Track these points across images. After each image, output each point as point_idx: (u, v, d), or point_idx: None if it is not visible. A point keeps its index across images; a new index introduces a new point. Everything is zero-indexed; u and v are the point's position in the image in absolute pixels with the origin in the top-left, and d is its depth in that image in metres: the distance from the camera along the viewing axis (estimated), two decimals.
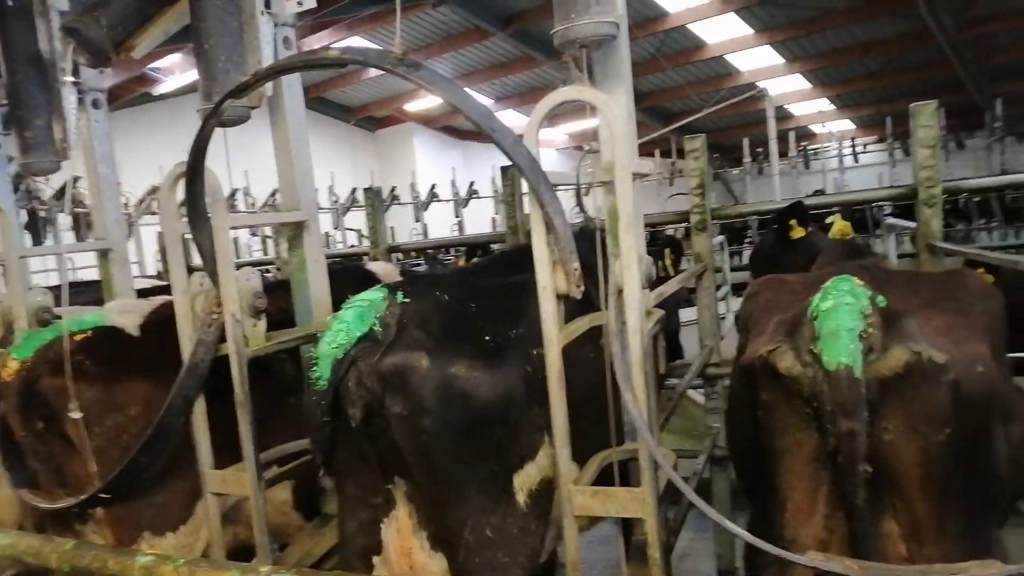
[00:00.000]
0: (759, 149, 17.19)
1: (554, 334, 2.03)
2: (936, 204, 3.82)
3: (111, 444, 2.73)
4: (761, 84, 16.89)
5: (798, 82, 19.19)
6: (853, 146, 18.89)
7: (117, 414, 2.74)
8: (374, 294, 2.11)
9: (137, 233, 10.18)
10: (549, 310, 2.03)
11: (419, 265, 5.75)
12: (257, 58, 2.79)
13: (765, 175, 17.28)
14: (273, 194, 12.61)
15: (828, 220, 4.47)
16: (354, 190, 12.97)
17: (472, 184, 11.35)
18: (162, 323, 2.96)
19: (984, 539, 1.93)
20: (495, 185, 11.41)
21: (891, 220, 4.92)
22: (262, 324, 2.67)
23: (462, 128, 22.01)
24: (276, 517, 3.11)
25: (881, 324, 1.84)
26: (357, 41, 14.43)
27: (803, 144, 19.44)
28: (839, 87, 19.43)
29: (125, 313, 2.98)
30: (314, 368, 2.00)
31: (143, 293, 4.06)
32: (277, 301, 2.95)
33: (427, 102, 19.29)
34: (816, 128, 22.88)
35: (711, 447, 3.90)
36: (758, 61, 17.94)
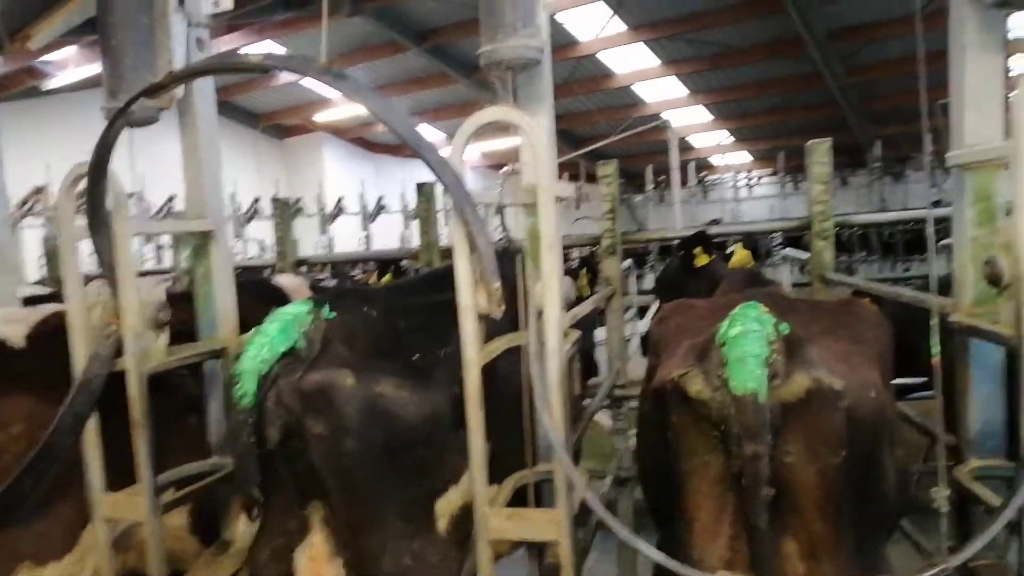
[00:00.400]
0: (661, 177, 17.82)
1: (473, 354, 2.02)
2: (829, 237, 4.08)
3: None
4: (665, 115, 17.51)
5: (700, 114, 20.05)
6: (748, 178, 19.96)
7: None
8: (298, 307, 2.05)
9: (17, 236, 9.48)
10: (469, 329, 2.03)
11: (325, 279, 5.62)
12: (168, 58, 2.68)
13: (666, 203, 17.90)
14: (170, 200, 12.04)
15: (729, 249, 4.70)
16: (257, 199, 12.57)
17: (381, 199, 11.20)
18: (51, 334, 2.78)
19: (874, 556, 2.06)
20: (405, 200, 11.31)
21: (787, 251, 5.23)
22: (163, 338, 2.55)
23: (374, 140, 21.76)
24: (171, 543, 2.93)
25: (784, 351, 1.94)
26: (267, 46, 14.06)
27: (702, 174, 20.32)
28: (738, 121, 20.41)
29: (10, 323, 2.77)
30: (237, 385, 1.92)
31: (28, 301, 3.79)
32: (178, 314, 2.82)
33: (339, 112, 18.95)
34: (715, 160, 23.95)
35: (616, 468, 3.98)
36: (663, 92, 18.62)
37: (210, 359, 2.79)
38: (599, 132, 19.24)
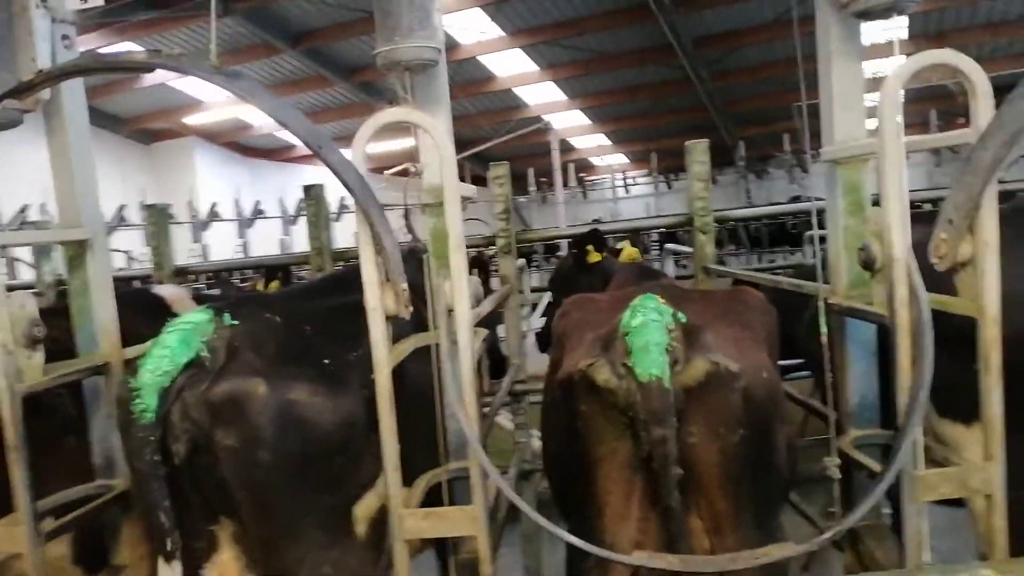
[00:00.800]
0: (543, 179, 18.20)
1: (383, 355, 2.00)
2: (710, 231, 4.30)
3: None
4: (546, 117, 17.89)
5: (579, 118, 20.60)
6: (624, 179, 20.73)
7: None
8: (198, 316, 1.95)
9: None
10: (378, 331, 2.00)
11: (204, 288, 5.36)
12: (31, 55, 2.48)
13: (549, 203, 18.30)
14: (23, 211, 11.11)
15: (618, 246, 4.86)
16: (122, 207, 11.83)
17: (258, 203, 10.79)
18: None
19: (771, 526, 2.19)
20: (283, 205, 10.94)
21: (669, 245, 5.47)
22: (39, 356, 2.36)
23: (248, 144, 20.95)
24: (53, 574, 2.73)
25: (682, 338, 2.04)
26: (127, 47, 13.24)
27: (581, 175, 20.91)
28: (613, 124, 21.15)
29: None
30: (137, 401, 1.80)
31: None
32: (51, 330, 2.62)
33: (211, 115, 18.11)
34: (596, 160, 24.67)
35: (519, 462, 4.03)
36: (543, 96, 19.01)
37: (91, 376, 2.60)
38: (482, 135, 19.41)
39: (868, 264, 2.05)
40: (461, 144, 21.21)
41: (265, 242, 12.38)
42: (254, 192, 14.07)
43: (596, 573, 2.14)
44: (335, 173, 1.87)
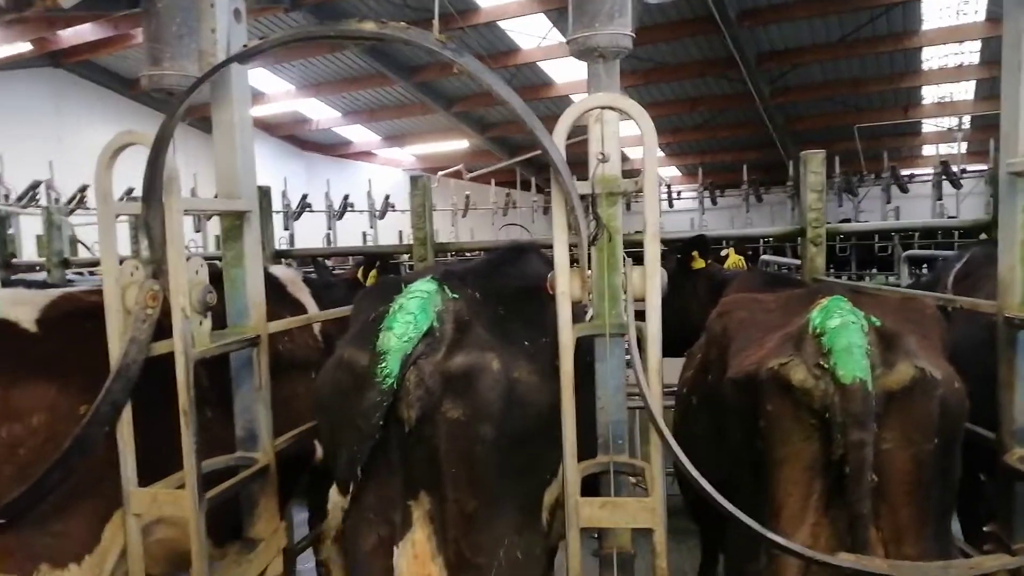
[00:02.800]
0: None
1: (569, 339, 1.99)
2: (821, 243, 4.22)
3: (5, 459, 2.30)
4: None
5: (634, 128, 20.45)
6: (669, 192, 20.53)
7: (14, 423, 2.31)
8: (428, 285, 1.96)
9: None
10: (565, 315, 1.99)
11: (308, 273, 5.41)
12: (212, 25, 2.53)
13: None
14: (82, 190, 11.24)
15: (723, 253, 4.81)
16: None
17: (347, 197, 10.94)
18: (64, 318, 2.57)
19: (946, 540, 2.13)
20: (371, 199, 10.99)
21: (767, 256, 5.40)
22: (208, 323, 2.39)
23: (307, 139, 21.17)
24: (182, 543, 2.76)
25: (878, 342, 1.99)
26: None
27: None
28: (670, 136, 21.01)
29: (18, 305, 2.54)
30: (382, 365, 1.80)
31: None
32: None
33: (271, 108, 18.32)
34: None
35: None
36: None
37: (247, 347, 2.63)
38: (534, 141, 19.44)
39: None
40: (513, 149, 21.29)
41: (316, 235, 12.50)
42: (309, 187, 14.20)
43: (769, 574, 2.10)
44: (546, 153, 1.86)
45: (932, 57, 15.42)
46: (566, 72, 17.22)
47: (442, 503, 1.91)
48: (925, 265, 6.22)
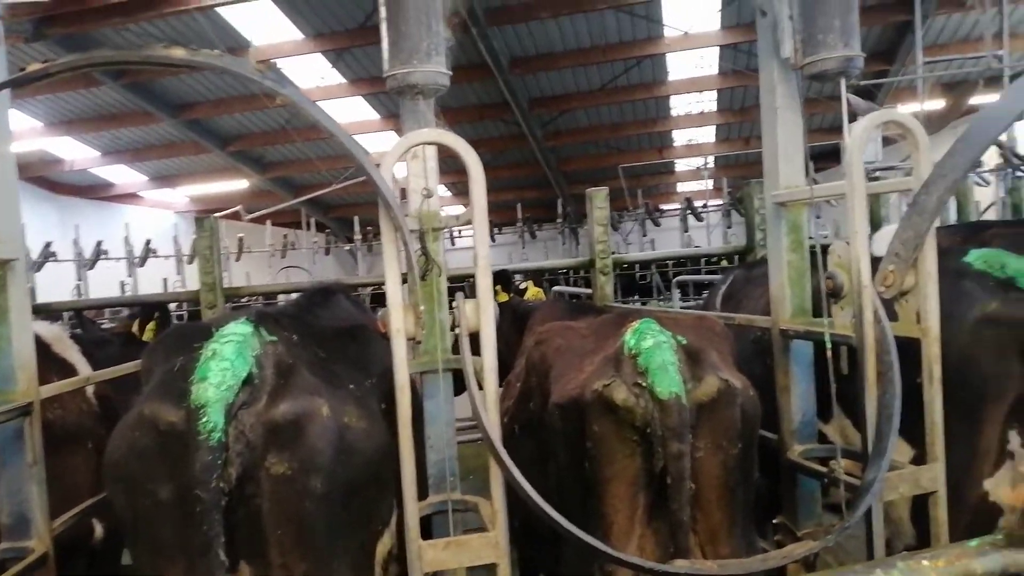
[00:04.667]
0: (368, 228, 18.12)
1: (405, 377, 1.95)
2: (609, 272, 4.56)
3: None
4: None
5: None
6: (451, 232, 21.06)
7: None
8: (243, 327, 1.79)
9: None
10: (401, 353, 1.95)
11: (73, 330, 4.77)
12: None
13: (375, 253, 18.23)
14: None
15: (522, 286, 4.98)
16: None
17: (100, 243, 9.83)
18: None
19: (752, 537, 2.35)
20: (129, 245, 10.05)
21: (559, 288, 5.68)
22: None
23: (59, 181, 18.86)
24: None
25: (686, 358, 2.17)
26: None
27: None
28: (454, 176, 21.52)
29: None
30: (204, 420, 1.60)
31: None
32: None
33: (14, 147, 16.09)
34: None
35: None
36: (385, 145, 19.02)
37: (17, 418, 2.26)
38: (319, 180, 19.02)
39: (835, 292, 2.31)
40: (298, 187, 20.57)
41: (62, 287, 11.17)
42: (64, 233, 12.71)
43: None
44: (376, 188, 1.83)
45: (679, 104, 17.36)
46: (348, 112, 17.09)
47: (266, 572, 1.74)
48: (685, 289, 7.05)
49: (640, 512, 2.20)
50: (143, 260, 10.40)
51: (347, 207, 22.18)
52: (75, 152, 17.32)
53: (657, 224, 13.24)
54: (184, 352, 2.00)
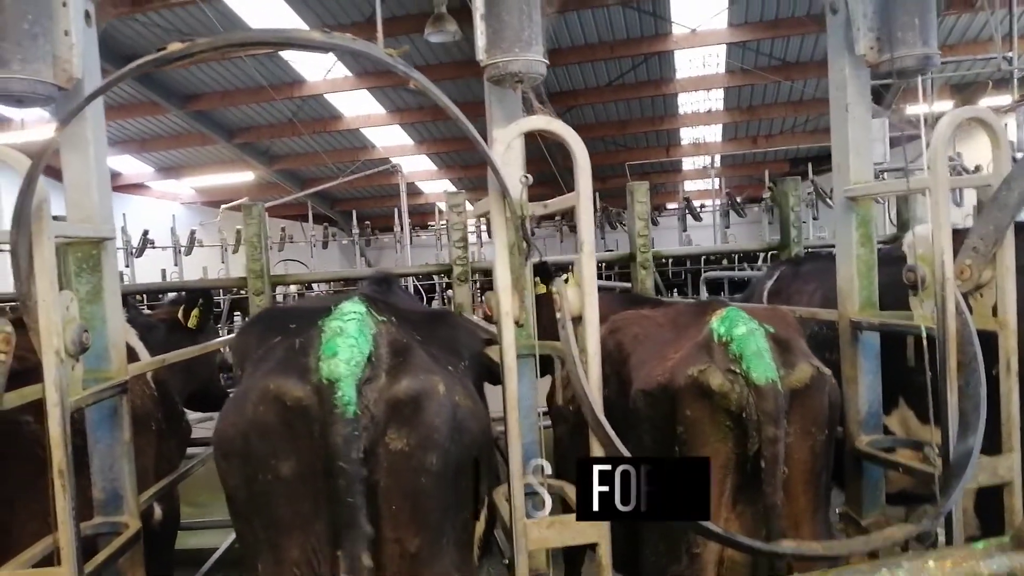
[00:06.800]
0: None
1: (513, 360, 1.99)
2: (649, 266, 4.61)
3: None
4: (395, 160, 17.87)
5: (425, 163, 20.77)
6: (478, 225, 21.12)
7: None
8: (359, 306, 1.83)
9: None
10: (508, 337, 1.99)
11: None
12: (66, 27, 2.22)
13: (416, 244, 18.24)
14: None
15: (563, 278, 5.00)
16: None
17: (147, 233, 9.92)
18: None
19: (828, 522, 2.40)
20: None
21: (600, 282, 5.73)
22: (80, 367, 2.07)
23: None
24: None
25: (775, 346, 2.23)
26: None
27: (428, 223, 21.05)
28: (460, 171, 21.54)
29: None
30: (338, 394, 1.64)
31: None
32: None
33: (20, 136, 15.99)
34: (443, 206, 24.90)
35: None
36: (391, 139, 19.00)
37: (117, 395, 2.30)
38: (326, 174, 19.00)
39: (914, 284, 2.36)
40: (304, 181, 20.52)
41: None
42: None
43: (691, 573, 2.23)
44: (495, 174, 1.87)
45: (686, 102, 17.41)
46: (355, 105, 17.06)
47: (379, 546, 1.78)
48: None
49: (727, 496, 2.25)
50: (140, 251, 10.49)
51: (353, 201, 22.21)
52: None
53: (655, 223, 13.41)
54: (281, 333, 2.04)
